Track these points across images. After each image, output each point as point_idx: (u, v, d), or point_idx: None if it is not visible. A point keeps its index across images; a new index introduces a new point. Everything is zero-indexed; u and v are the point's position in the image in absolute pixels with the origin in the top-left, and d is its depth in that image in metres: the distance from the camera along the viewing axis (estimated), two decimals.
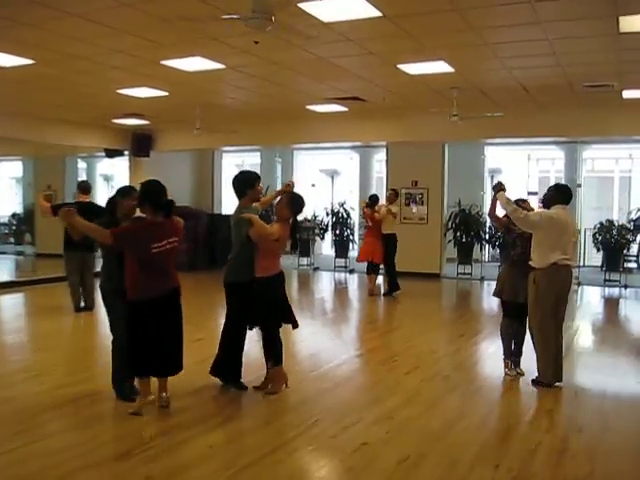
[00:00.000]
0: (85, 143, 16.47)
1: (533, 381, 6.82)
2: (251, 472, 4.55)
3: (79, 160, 21.97)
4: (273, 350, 6.35)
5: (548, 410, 6.14)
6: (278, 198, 6.78)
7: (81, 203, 10.48)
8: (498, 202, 7.00)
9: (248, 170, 6.69)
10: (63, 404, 6.19)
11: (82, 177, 22.98)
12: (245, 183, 6.34)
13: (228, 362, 6.49)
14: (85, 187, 10.87)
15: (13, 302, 12.83)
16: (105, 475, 4.54)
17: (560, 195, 6.79)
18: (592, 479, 4.55)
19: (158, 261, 5.53)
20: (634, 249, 15.73)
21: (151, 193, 5.65)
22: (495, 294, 7.23)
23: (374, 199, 13.14)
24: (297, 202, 6.52)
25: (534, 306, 6.66)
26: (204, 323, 10.32)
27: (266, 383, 6.43)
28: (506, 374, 7.11)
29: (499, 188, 7.00)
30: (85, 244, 10.26)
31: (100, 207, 10.31)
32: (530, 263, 6.67)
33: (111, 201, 6.36)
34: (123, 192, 6.20)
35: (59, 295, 11.67)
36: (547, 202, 6.84)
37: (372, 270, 13.20)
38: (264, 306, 6.23)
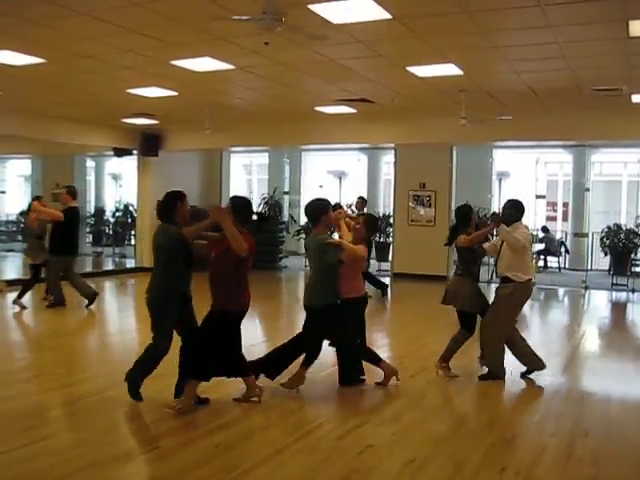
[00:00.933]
0: (94, 142, 16.51)
1: (482, 377, 7.10)
2: (257, 473, 4.55)
3: (88, 159, 22.05)
4: (360, 361, 6.83)
5: (554, 414, 6.13)
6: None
7: (73, 209, 10.56)
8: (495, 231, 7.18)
9: (320, 198, 6.86)
10: (66, 403, 6.21)
11: (91, 176, 23.11)
12: (319, 210, 6.46)
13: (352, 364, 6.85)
14: (74, 192, 10.95)
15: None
16: (109, 475, 4.53)
17: (519, 212, 7.12)
18: None
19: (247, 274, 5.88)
20: None
21: (245, 208, 5.88)
22: (448, 303, 7.34)
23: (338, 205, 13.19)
24: (375, 222, 7.51)
25: (504, 313, 7.06)
26: None
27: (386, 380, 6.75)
28: (449, 375, 7.20)
29: (499, 220, 7.08)
30: (74, 247, 10.56)
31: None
32: (508, 275, 6.96)
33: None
34: (181, 197, 5.90)
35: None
36: (508, 220, 7.00)
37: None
38: (352, 324, 6.67)
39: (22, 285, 11.18)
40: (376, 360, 6.75)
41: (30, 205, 11.20)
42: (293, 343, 6.66)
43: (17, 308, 10.62)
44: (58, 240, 10.52)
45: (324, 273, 6.38)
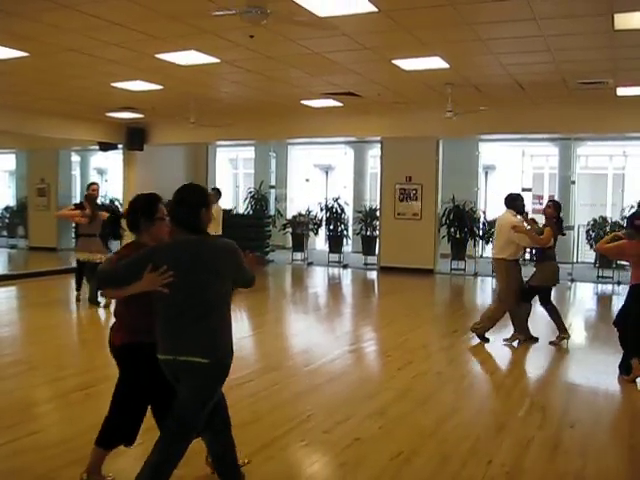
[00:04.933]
0: (79, 136, 16.41)
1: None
2: (244, 467, 4.54)
3: (73, 154, 21.91)
4: None
5: (541, 406, 6.15)
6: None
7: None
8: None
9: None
10: (54, 398, 6.19)
11: (76, 171, 22.97)
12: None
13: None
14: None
15: (6, 295, 12.77)
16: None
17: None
18: (584, 474, 4.57)
19: None
20: None
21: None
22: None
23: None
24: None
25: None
26: None
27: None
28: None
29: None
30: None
31: None
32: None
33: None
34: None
35: (52, 288, 11.65)
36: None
37: None
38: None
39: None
40: None
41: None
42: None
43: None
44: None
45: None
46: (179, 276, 3.59)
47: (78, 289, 11.01)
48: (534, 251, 8.85)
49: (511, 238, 8.27)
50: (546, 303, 8.52)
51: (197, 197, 3.78)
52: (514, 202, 8.51)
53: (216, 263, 3.70)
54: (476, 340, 8.71)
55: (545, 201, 13.27)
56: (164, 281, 3.57)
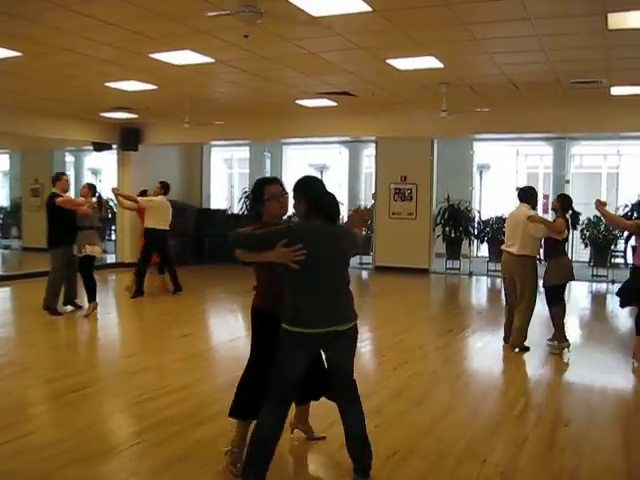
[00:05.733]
0: (73, 137, 16.35)
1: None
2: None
3: (67, 154, 21.87)
4: None
5: (535, 405, 6.17)
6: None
7: None
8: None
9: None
10: (49, 399, 6.18)
11: (70, 171, 22.91)
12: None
13: None
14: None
15: (0, 296, 12.78)
16: (91, 471, 4.50)
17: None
18: (579, 473, 4.57)
19: None
20: (621, 245, 15.78)
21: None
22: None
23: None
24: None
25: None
26: (192, 319, 10.32)
27: None
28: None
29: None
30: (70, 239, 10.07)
31: None
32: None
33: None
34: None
35: (44, 290, 11.57)
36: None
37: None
38: None
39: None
40: None
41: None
42: None
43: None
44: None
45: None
46: (316, 256, 4.03)
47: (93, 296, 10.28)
48: (543, 248, 8.43)
49: (528, 231, 7.93)
50: (557, 301, 8.17)
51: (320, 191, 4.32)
52: (530, 196, 8.27)
53: (343, 244, 4.27)
54: (471, 339, 8.72)
55: (539, 200, 13.29)
56: (296, 258, 3.96)
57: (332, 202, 4.25)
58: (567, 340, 8.12)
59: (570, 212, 8.22)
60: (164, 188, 12.37)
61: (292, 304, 4.08)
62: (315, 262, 4.02)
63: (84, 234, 9.98)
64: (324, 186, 4.40)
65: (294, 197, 4.36)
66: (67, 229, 9.90)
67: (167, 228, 12.15)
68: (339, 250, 4.23)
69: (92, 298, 10.10)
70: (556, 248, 8.06)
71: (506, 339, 8.30)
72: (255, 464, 4.08)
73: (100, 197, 10.47)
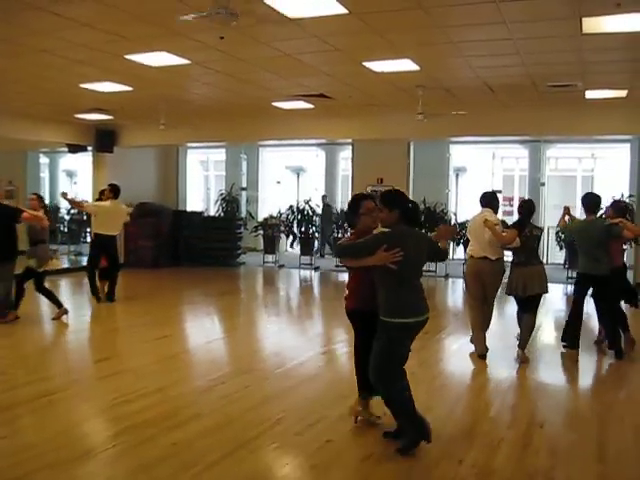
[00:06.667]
0: (47, 138, 16.22)
1: None
2: (214, 470, 4.52)
3: (41, 155, 21.69)
4: None
5: (511, 406, 6.21)
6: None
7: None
8: None
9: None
10: (22, 403, 6.10)
11: (45, 173, 22.74)
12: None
13: None
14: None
15: None
16: (65, 476, 4.46)
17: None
18: (553, 474, 4.61)
19: None
20: None
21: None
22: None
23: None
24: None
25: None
26: (168, 321, 10.27)
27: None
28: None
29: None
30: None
31: None
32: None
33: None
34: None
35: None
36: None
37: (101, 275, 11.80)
38: None
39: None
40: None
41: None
42: None
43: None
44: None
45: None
46: (409, 256, 4.78)
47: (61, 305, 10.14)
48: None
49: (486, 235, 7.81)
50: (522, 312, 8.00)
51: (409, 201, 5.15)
52: (493, 200, 8.16)
53: (425, 246, 5.10)
54: (447, 340, 8.73)
55: (516, 203, 13.38)
56: (394, 259, 4.71)
57: (417, 211, 5.19)
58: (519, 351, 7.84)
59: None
60: (113, 191, 11.69)
61: (398, 299, 4.85)
62: (408, 262, 4.78)
63: (43, 247, 10.04)
64: (407, 197, 5.21)
65: (385, 206, 4.96)
66: (15, 242, 9.77)
67: (115, 234, 11.68)
68: (423, 251, 5.06)
69: (59, 304, 10.05)
70: (516, 256, 7.91)
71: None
72: (410, 413, 4.95)
73: (46, 207, 10.38)
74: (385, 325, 4.86)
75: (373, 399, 5.45)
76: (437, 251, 5.33)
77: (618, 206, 8.85)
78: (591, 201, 8.15)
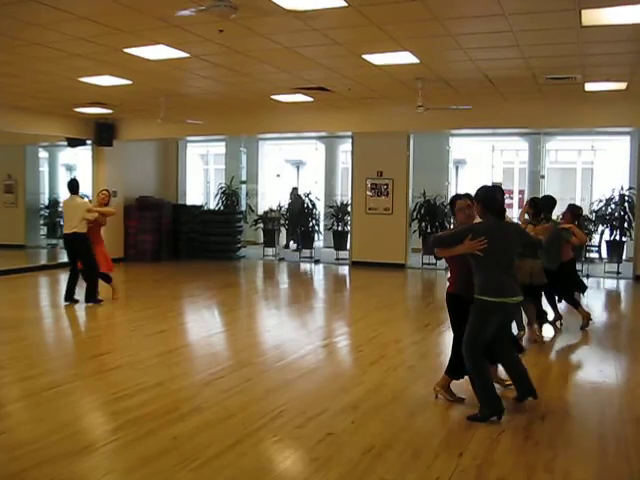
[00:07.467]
0: (47, 132, 16.18)
1: None
2: (215, 464, 4.53)
3: (41, 149, 21.63)
4: None
5: (511, 399, 6.20)
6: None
7: None
8: None
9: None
10: (23, 397, 6.11)
11: (44, 167, 22.68)
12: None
13: None
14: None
15: None
16: (65, 470, 4.45)
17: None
18: (554, 466, 4.60)
19: None
20: (596, 240, 15.93)
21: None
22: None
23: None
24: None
25: None
26: (168, 315, 10.27)
27: None
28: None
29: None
30: None
31: None
32: None
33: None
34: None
35: (20, 287, 11.49)
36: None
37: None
38: None
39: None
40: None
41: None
42: None
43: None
44: None
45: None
46: (493, 244, 5.40)
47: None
48: None
49: None
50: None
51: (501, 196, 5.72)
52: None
53: (514, 236, 5.72)
54: (447, 333, 8.74)
55: (515, 196, 13.38)
56: (480, 246, 5.37)
57: (494, 201, 5.59)
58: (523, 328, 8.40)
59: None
60: (68, 187, 11.13)
61: (489, 280, 5.46)
62: (493, 249, 5.40)
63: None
64: (501, 193, 5.75)
65: (476, 201, 5.64)
66: None
67: (68, 231, 10.64)
68: (511, 240, 5.64)
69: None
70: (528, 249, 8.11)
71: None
72: (489, 391, 5.55)
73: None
74: (476, 303, 5.51)
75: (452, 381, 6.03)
76: (528, 242, 6.16)
77: (575, 211, 9.40)
78: (546, 203, 8.86)
